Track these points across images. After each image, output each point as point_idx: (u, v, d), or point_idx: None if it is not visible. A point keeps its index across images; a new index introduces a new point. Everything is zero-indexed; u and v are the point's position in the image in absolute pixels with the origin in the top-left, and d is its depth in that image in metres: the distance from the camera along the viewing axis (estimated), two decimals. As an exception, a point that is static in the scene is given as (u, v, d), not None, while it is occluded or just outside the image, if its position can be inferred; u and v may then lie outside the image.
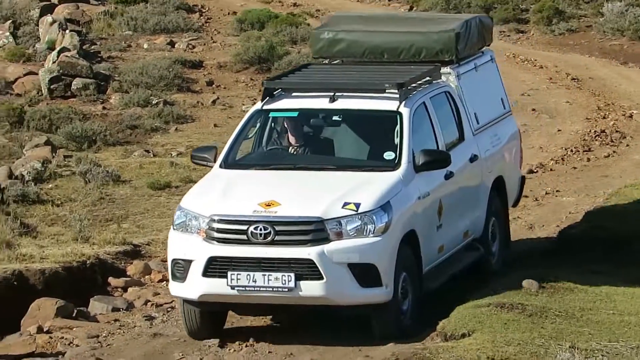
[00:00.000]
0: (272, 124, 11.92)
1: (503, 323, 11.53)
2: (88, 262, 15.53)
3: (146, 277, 15.00)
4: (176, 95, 23.14)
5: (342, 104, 11.55)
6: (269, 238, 10.47)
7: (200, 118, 22.71)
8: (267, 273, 10.49)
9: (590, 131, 20.63)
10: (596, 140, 20.17)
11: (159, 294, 14.04)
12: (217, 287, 10.52)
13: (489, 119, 12.81)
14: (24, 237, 15.14)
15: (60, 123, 20.03)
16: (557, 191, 17.57)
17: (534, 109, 21.55)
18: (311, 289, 10.37)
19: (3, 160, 18.85)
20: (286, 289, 10.46)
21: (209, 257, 10.52)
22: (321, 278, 10.34)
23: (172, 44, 25.48)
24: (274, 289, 10.48)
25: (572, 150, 19.45)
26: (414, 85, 11.74)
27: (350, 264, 10.44)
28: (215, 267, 10.54)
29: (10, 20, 25.75)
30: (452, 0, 28.97)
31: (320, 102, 11.60)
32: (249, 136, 11.93)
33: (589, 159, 19.06)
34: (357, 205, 10.61)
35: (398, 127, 11.27)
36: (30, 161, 18.29)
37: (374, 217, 10.63)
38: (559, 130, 20.70)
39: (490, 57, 13.40)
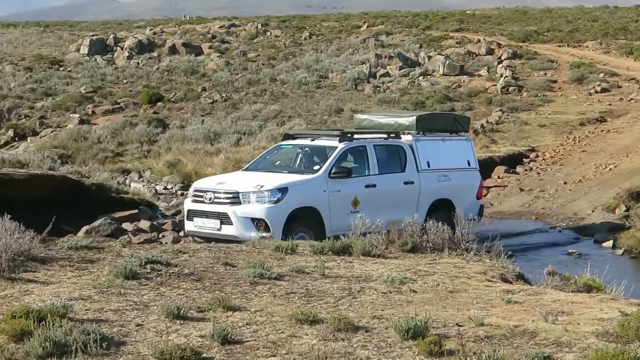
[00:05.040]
0: (294, 150, 14.33)
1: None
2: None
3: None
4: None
5: (316, 142, 14.14)
6: (212, 200, 12.85)
7: (550, 102, 32.48)
8: (208, 219, 12.86)
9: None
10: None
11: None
12: (191, 226, 13.17)
13: (442, 167, 15.15)
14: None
15: (504, 102, 31.26)
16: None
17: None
18: (227, 230, 12.58)
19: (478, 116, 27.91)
20: (216, 229, 12.71)
21: (188, 209, 13.29)
22: (232, 224, 12.56)
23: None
24: (210, 228, 12.81)
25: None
26: (359, 136, 14.12)
27: (252, 218, 12.55)
28: (190, 215, 13.20)
29: (486, 67, 37.40)
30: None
31: (306, 141, 14.37)
32: (267, 157, 14.46)
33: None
34: (262, 186, 12.69)
35: (332, 154, 13.53)
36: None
37: (269, 193, 12.62)
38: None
39: (465, 139, 16.05)
